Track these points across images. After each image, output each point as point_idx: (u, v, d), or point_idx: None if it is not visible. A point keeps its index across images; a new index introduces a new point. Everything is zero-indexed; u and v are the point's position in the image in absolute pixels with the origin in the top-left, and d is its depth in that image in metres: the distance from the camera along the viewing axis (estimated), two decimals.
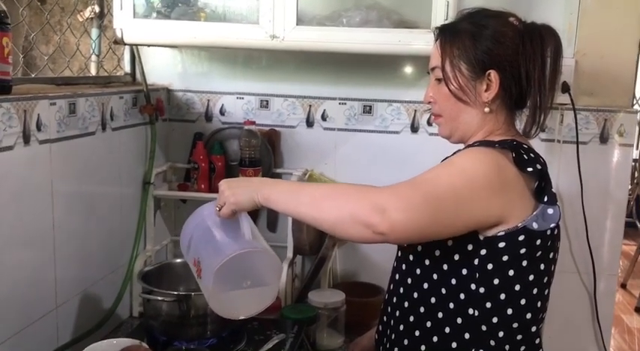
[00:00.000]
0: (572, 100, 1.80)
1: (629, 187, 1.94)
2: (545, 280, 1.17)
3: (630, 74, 1.84)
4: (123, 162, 1.73)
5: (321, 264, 1.82)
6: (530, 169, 1.08)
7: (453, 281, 1.14)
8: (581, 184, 1.83)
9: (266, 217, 2.03)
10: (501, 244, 1.10)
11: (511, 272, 1.11)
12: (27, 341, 1.33)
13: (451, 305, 1.15)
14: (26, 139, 1.30)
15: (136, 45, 1.85)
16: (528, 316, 1.15)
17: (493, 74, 1.15)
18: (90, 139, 1.55)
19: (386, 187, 1.08)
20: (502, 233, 1.09)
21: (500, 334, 1.13)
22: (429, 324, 1.17)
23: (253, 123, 1.85)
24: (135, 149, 1.81)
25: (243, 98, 1.99)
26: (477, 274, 1.12)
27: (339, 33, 1.64)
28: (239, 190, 1.18)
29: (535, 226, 1.10)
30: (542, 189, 1.11)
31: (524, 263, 1.12)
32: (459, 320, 1.14)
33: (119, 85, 1.83)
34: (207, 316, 1.47)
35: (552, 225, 1.12)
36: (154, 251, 1.87)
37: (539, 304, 1.16)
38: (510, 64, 1.15)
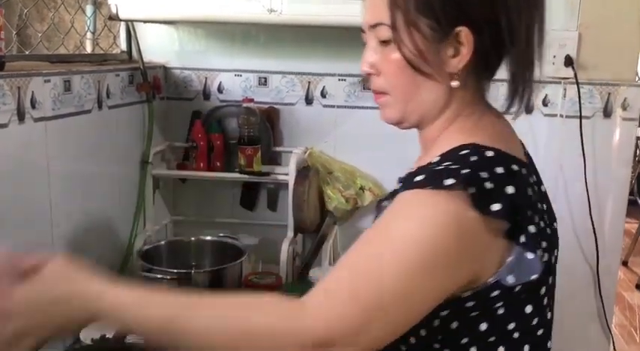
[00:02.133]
0: (575, 73, 1.78)
1: (632, 164, 1.92)
2: (535, 322, 0.87)
3: (634, 47, 1.82)
4: (120, 141, 1.72)
5: (322, 242, 1.81)
6: (496, 208, 0.74)
7: (412, 340, 0.85)
8: (584, 160, 1.81)
9: (266, 197, 2.01)
10: (469, 304, 0.80)
11: (483, 326, 0.82)
12: None
13: None
14: (21, 116, 1.28)
15: (131, 21, 1.82)
16: None
17: (465, 33, 0.82)
18: (86, 116, 1.53)
19: (310, 305, 0.73)
20: (468, 293, 0.79)
21: None
22: None
23: (252, 100, 1.83)
24: (132, 128, 1.79)
25: (241, 75, 1.96)
26: (440, 336, 0.83)
27: (339, 6, 1.60)
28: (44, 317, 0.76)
29: (510, 280, 0.79)
30: (517, 226, 0.78)
31: (501, 312, 0.82)
32: None
33: (115, 62, 1.81)
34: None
35: (534, 277, 0.80)
36: (153, 231, 1.85)
37: (526, 348, 0.86)
38: (487, 16, 0.82)
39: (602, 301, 1.92)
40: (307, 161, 1.88)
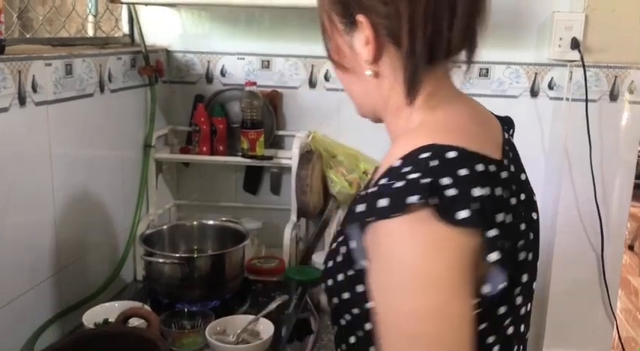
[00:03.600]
0: (581, 56, 1.75)
1: (639, 147, 1.90)
2: (507, 322, 0.81)
3: None
4: (123, 124, 1.71)
5: (325, 226, 1.81)
6: (462, 216, 0.69)
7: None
8: (590, 144, 1.79)
9: (269, 181, 2.01)
10: None
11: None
12: (30, 304, 1.33)
13: None
14: (22, 100, 1.27)
15: (134, 4, 1.80)
16: None
17: (363, 21, 0.79)
18: (88, 100, 1.52)
19: None
20: None
21: None
22: None
23: (254, 84, 1.81)
24: (135, 111, 1.78)
25: (244, 59, 1.94)
26: None
27: None
28: None
29: (487, 289, 0.75)
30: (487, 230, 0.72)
31: (483, 326, 0.77)
32: None
33: (117, 46, 1.79)
34: (210, 279, 1.46)
35: (502, 285, 0.75)
36: (156, 215, 1.85)
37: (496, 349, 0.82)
38: (372, 2, 0.78)
39: (606, 285, 1.91)
40: (310, 145, 1.87)
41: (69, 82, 1.44)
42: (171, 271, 1.44)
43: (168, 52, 1.97)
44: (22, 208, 1.30)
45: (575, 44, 1.75)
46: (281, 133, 1.94)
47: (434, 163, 0.72)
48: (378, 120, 0.90)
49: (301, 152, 1.79)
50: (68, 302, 1.47)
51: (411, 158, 0.74)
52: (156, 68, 1.82)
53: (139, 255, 1.72)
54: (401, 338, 0.72)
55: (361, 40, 0.81)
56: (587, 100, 1.78)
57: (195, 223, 1.68)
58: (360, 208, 0.74)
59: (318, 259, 1.67)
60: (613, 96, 1.80)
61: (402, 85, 0.81)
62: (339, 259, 0.84)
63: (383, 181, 0.74)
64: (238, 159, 1.83)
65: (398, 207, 0.70)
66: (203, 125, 1.83)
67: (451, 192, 0.70)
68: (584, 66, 1.76)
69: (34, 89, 1.31)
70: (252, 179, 2.02)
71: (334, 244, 0.88)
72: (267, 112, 1.88)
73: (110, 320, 1.30)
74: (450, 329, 0.71)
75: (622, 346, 2.15)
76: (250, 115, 1.79)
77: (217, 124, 1.84)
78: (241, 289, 1.56)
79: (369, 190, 0.75)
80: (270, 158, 1.82)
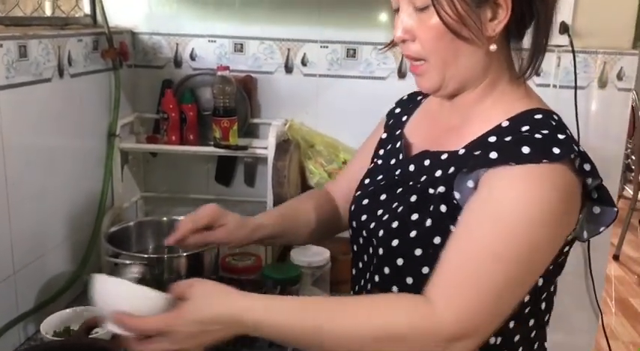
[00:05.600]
0: (571, 41, 1.69)
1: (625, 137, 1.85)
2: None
3: (632, 14, 1.73)
4: (84, 112, 1.59)
5: None
6: (588, 168, 0.83)
7: None
8: (578, 132, 1.73)
9: (243, 171, 1.91)
10: None
11: (540, 282, 0.92)
12: None
13: None
14: None
15: None
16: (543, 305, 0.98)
17: None
18: (46, 86, 1.41)
19: (438, 304, 0.79)
20: None
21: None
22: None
23: (227, 68, 1.71)
24: (97, 98, 1.67)
25: (215, 41, 1.84)
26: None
27: None
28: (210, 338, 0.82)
29: (585, 235, 0.91)
30: (593, 184, 0.86)
31: (551, 268, 0.92)
32: None
33: (78, 27, 1.67)
34: (181, 279, 1.35)
35: (602, 229, 0.89)
36: (122, 209, 1.74)
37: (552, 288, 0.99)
38: None
39: (591, 276, 1.87)
40: (287, 134, 1.78)
41: (23, 66, 1.32)
42: (139, 273, 1.33)
43: (133, 34, 1.85)
44: None
45: (564, 29, 1.68)
46: (256, 121, 1.85)
47: (552, 122, 0.85)
48: (445, 95, 0.93)
49: (278, 141, 1.70)
50: (26, 307, 1.35)
51: (523, 119, 0.87)
52: (120, 51, 1.71)
53: (104, 252, 1.61)
54: (484, 254, 0.79)
55: (488, 14, 0.86)
56: (576, 87, 1.72)
57: (164, 218, 1.56)
58: (493, 155, 0.83)
59: (297, 255, 1.58)
60: (602, 83, 1.75)
61: (526, 60, 0.90)
62: (436, 216, 0.88)
63: (502, 138, 0.84)
64: (210, 149, 1.73)
65: (546, 156, 0.80)
66: (172, 112, 1.73)
67: (576, 147, 0.82)
68: (573, 51, 1.69)
69: None
70: (225, 170, 1.93)
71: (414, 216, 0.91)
72: (241, 98, 1.78)
73: (73, 328, 1.18)
74: (529, 262, 0.81)
75: (605, 334, 2.11)
76: (223, 102, 1.70)
77: (187, 111, 1.74)
78: None
79: (488, 141, 0.86)
80: (244, 148, 1.73)
